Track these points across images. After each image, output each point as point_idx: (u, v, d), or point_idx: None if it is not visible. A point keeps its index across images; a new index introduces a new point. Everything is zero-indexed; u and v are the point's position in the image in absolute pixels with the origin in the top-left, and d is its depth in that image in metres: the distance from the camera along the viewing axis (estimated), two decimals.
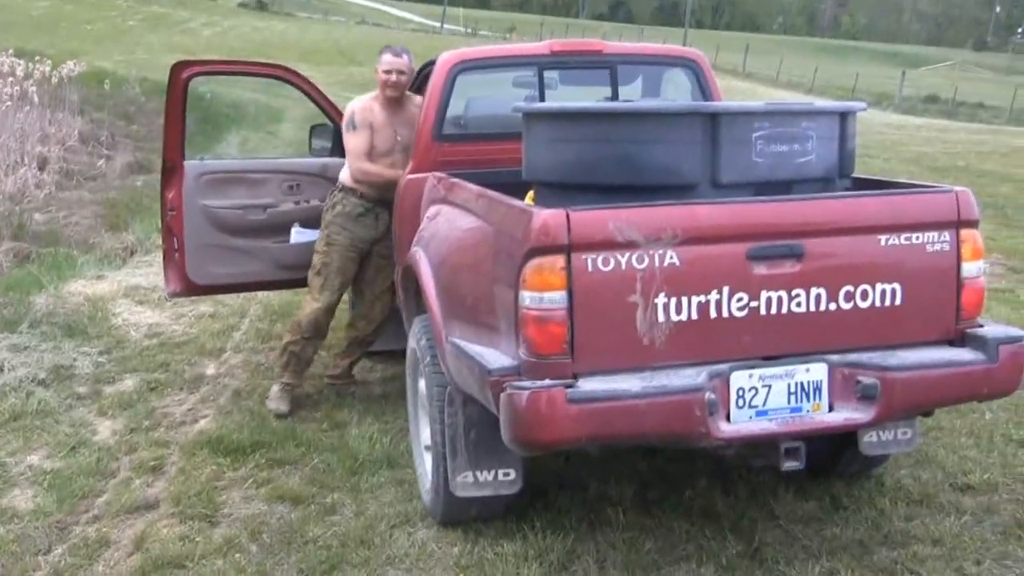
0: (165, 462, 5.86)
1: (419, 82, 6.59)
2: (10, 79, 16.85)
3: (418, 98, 6.42)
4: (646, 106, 4.80)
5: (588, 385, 3.85)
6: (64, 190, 15.69)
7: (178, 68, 6.48)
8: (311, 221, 6.69)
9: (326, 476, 5.64)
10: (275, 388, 6.63)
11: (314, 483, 5.56)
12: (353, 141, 6.35)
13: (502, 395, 3.89)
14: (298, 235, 6.82)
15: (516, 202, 4.20)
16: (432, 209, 5.26)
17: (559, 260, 3.81)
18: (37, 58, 19.99)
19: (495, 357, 4.07)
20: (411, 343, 5.28)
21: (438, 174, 5.48)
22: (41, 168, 16.20)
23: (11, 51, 20.22)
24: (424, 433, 5.24)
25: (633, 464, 5.56)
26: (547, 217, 3.83)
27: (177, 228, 6.62)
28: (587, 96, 6.36)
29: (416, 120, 6.10)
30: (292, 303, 8.93)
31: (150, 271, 10.30)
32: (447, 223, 4.89)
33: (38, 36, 33.85)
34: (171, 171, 6.62)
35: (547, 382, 3.82)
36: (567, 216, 3.82)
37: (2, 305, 8.88)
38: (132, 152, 18.48)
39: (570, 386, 3.82)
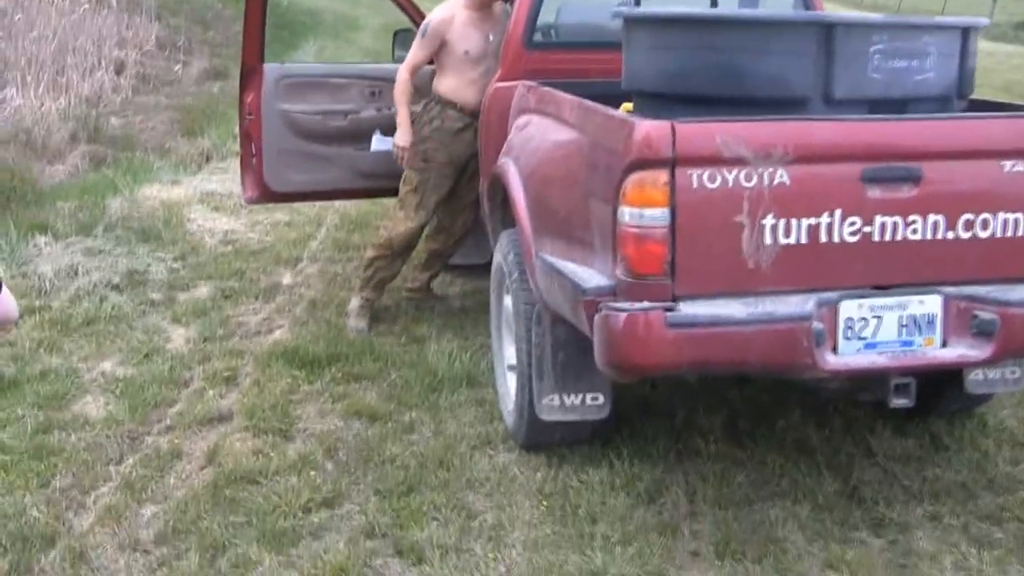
0: (239, 373, 5.72)
1: None
2: None
3: (501, 3, 6.12)
4: (758, 14, 4.50)
5: (689, 309, 3.62)
6: (140, 95, 15.62)
7: None
8: (393, 128, 6.44)
9: (404, 393, 5.48)
10: (354, 303, 6.44)
11: (391, 399, 5.41)
12: (413, 50, 6.09)
13: (596, 316, 3.67)
14: (379, 142, 6.58)
15: (615, 112, 3.94)
16: (522, 119, 5.01)
17: (662, 175, 3.56)
18: None
19: (589, 276, 3.84)
20: (497, 257, 5.07)
21: (528, 83, 5.23)
22: (118, 72, 16.10)
23: None
24: (508, 352, 5.05)
25: (723, 392, 5.33)
26: (650, 128, 3.57)
27: (255, 133, 6.42)
28: (685, 3, 6.06)
29: (503, 22, 5.85)
30: (370, 212, 8.76)
31: (225, 178, 10.16)
32: (539, 133, 4.64)
33: None
34: (249, 74, 6.41)
35: (645, 304, 3.59)
36: (672, 128, 3.56)
37: (78, 208, 8.81)
38: (208, 58, 18.32)
39: (670, 309, 3.59)
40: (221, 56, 18.87)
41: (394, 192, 6.37)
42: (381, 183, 6.51)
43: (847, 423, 5.08)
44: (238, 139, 6.78)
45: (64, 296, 6.90)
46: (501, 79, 5.61)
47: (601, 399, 4.46)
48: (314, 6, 25.37)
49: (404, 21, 6.92)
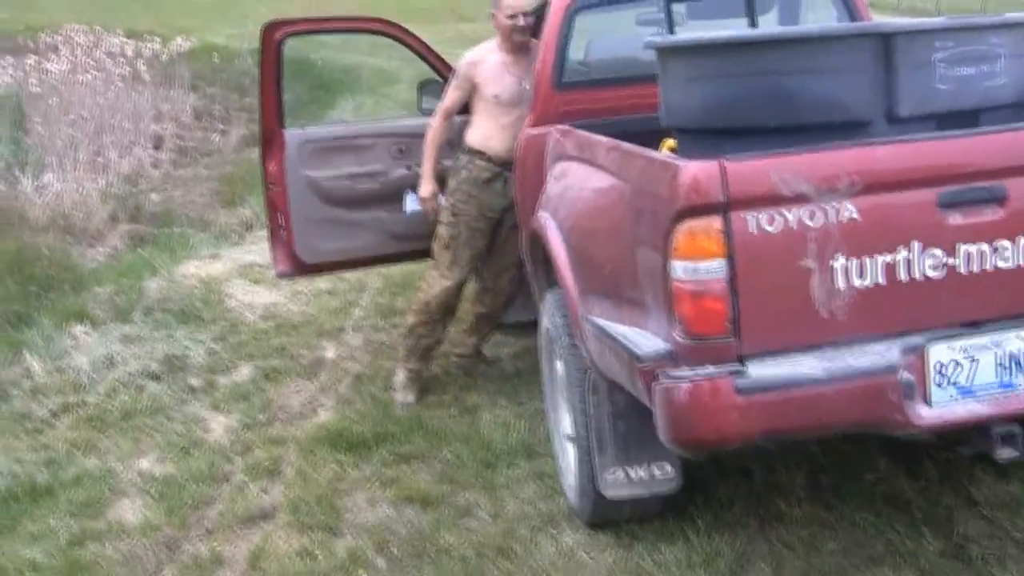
0: (281, 462, 5.37)
1: (533, 28, 5.96)
2: (120, 59, 16.68)
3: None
4: (805, 30, 4.09)
5: (759, 370, 3.20)
6: (180, 167, 15.56)
7: (270, 29, 5.93)
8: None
9: (458, 471, 5.09)
10: (400, 376, 6.08)
11: (445, 480, 5.03)
12: (447, 94, 5.84)
13: (655, 386, 3.27)
14: (413, 203, 6.22)
15: (657, 154, 3.55)
16: (557, 167, 4.63)
17: (715, 221, 3.16)
18: (147, 36, 19.89)
19: (644, 339, 3.43)
20: (544, 321, 4.68)
21: (561, 127, 4.86)
22: (156, 147, 16.09)
23: (120, 31, 20.08)
24: (564, 421, 4.65)
25: (801, 445, 4.89)
26: (698, 170, 3.17)
27: (281, 203, 6.09)
28: (723, 28, 5.68)
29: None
30: (414, 273, 8.34)
31: (265, 248, 9.83)
32: (576, 182, 4.25)
33: (147, 14, 33.88)
34: (270, 142, 6.08)
35: (709, 369, 3.18)
36: (721, 167, 3.16)
37: (115, 293, 8.57)
38: (246, 125, 18.18)
39: (737, 373, 3.18)
40: (258, 121, 18.72)
41: (413, 256, 6.04)
42: (419, 245, 6.14)
43: (942, 469, 4.62)
44: (265, 210, 6.45)
45: (101, 389, 6.60)
46: (533, 124, 5.26)
47: (670, 470, 4.05)
48: (350, 63, 25.22)
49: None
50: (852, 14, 5.49)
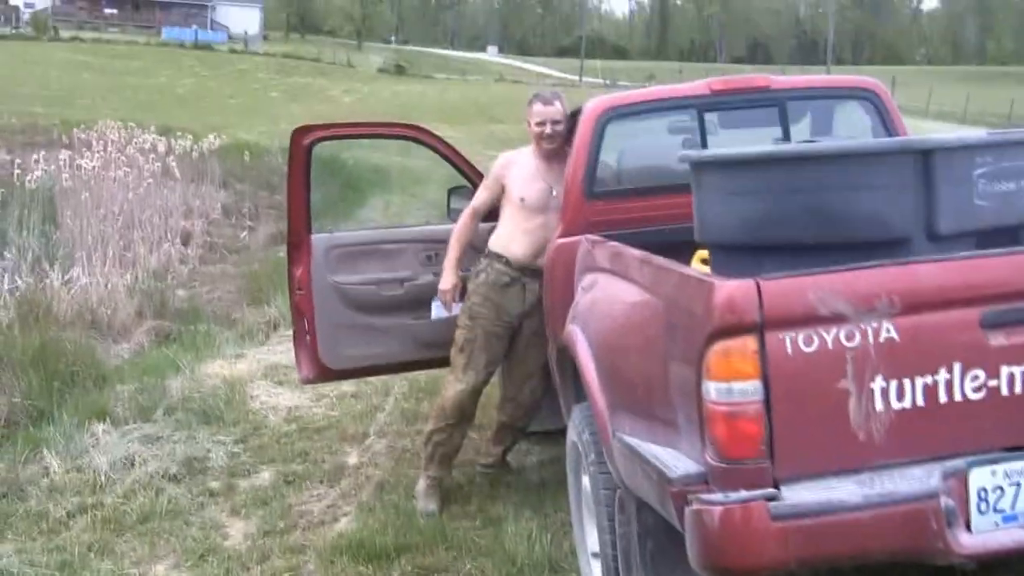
0: (301, 573, 5.26)
1: (566, 135, 5.95)
2: (151, 155, 16.84)
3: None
4: (844, 145, 4.05)
5: (794, 495, 3.10)
6: (207, 264, 15.61)
7: (299, 134, 5.94)
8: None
9: None
10: (421, 484, 5.99)
11: None
12: (478, 192, 5.91)
13: (687, 510, 3.16)
14: (439, 310, 6.17)
15: (691, 270, 3.50)
16: (587, 278, 4.57)
17: (750, 342, 3.08)
18: (179, 133, 20.12)
19: (675, 460, 3.34)
20: (571, 435, 4.58)
21: (592, 237, 4.82)
22: (185, 243, 16.15)
23: (153, 128, 20.33)
24: (591, 538, 4.53)
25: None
26: (733, 289, 3.11)
27: (306, 308, 6.05)
28: (753, 140, 5.64)
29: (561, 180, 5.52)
30: (440, 378, 8.27)
31: (291, 348, 9.79)
32: (606, 296, 4.19)
33: (182, 113, 34.41)
34: (297, 246, 6.06)
35: (743, 494, 3.07)
36: (757, 286, 3.09)
37: (138, 391, 8.51)
38: (275, 222, 18.28)
39: (772, 498, 3.07)
40: (287, 226, 18.81)
41: (441, 363, 5.99)
42: (446, 352, 6.04)
43: None
44: (290, 314, 6.41)
45: (119, 490, 6.51)
46: (563, 234, 5.21)
47: None
48: (380, 162, 25.44)
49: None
50: (885, 122, 5.46)
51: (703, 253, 4.66)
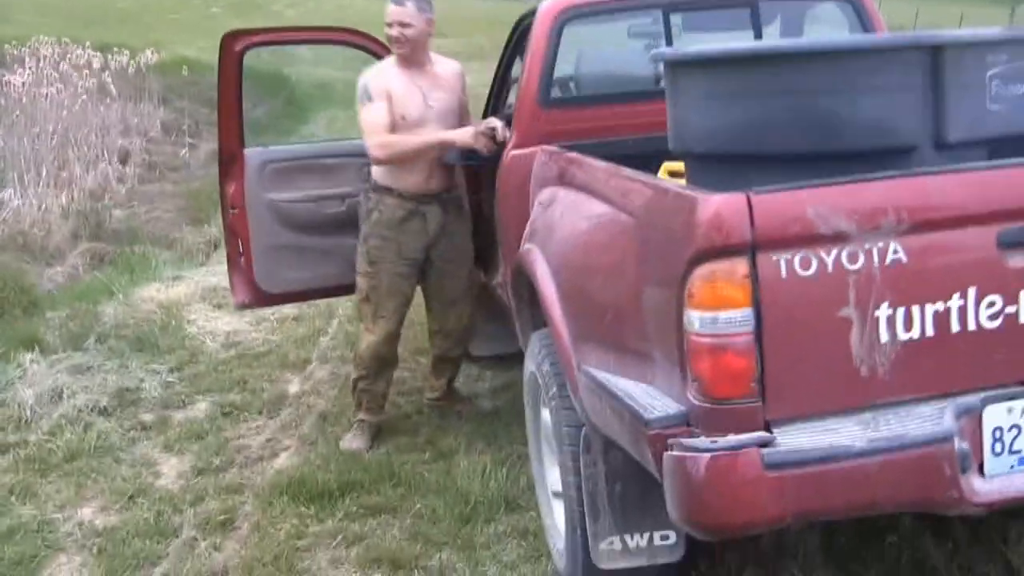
0: (237, 515, 4.85)
1: (517, 38, 5.49)
2: (86, 72, 16.16)
3: (448, 62, 5.41)
4: (845, 41, 3.59)
5: (790, 440, 2.71)
6: (146, 183, 15.05)
7: (230, 40, 5.42)
8: None
9: (431, 527, 4.59)
10: (353, 429, 5.58)
11: (417, 537, 4.51)
12: (369, 116, 5.15)
13: (666, 456, 2.77)
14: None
15: (670, 184, 3.05)
16: (545, 193, 4.14)
17: (740, 265, 2.67)
18: (116, 49, 19.39)
19: (651, 399, 2.93)
20: (528, 365, 4.17)
21: (550, 148, 4.39)
22: (123, 162, 15.58)
23: (88, 44, 19.54)
24: (551, 476, 4.15)
25: None
26: (720, 204, 2.68)
27: (241, 229, 5.57)
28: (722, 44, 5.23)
29: (450, 83, 5.28)
30: None
31: None
32: (568, 211, 3.76)
33: (122, 29, 33.25)
34: (229, 162, 5.56)
35: (732, 439, 2.67)
36: (748, 200, 2.67)
37: (69, 318, 8.05)
38: (215, 140, 17.65)
39: (765, 443, 2.68)
40: (217, 140, 18.25)
41: None
42: None
43: (972, 529, 4.13)
44: (224, 236, 5.92)
45: (45, 426, 6.06)
46: (516, 145, 4.78)
47: (672, 538, 3.52)
48: (323, 77, 24.70)
49: None
50: (866, 28, 5.04)
51: (671, 165, 4.27)
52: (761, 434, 2.69)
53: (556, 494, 4.06)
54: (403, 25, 5.09)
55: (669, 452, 2.75)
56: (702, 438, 2.71)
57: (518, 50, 5.49)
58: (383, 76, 5.17)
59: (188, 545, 4.61)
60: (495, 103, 5.84)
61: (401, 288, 5.32)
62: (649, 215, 3.00)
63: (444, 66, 5.34)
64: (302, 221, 5.60)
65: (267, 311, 7.81)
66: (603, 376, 3.21)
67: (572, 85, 5.31)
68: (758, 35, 5.15)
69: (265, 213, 5.56)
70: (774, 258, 2.68)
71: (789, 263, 2.69)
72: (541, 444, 4.25)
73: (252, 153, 5.57)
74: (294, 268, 5.63)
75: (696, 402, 2.76)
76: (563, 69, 5.11)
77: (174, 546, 4.62)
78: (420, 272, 5.39)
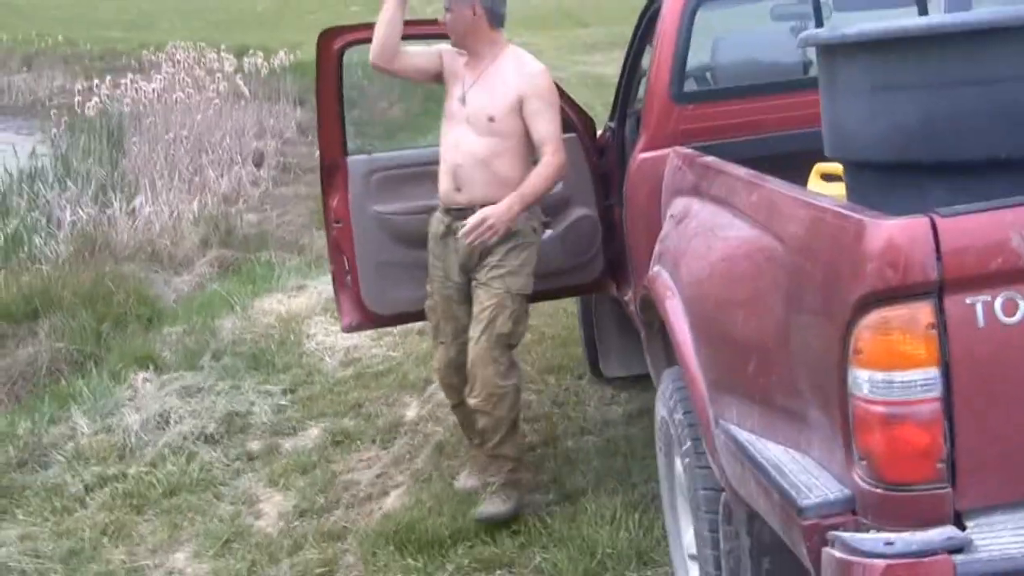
0: (337, 567, 4.36)
1: (645, 25, 4.88)
2: (218, 75, 16.06)
3: (525, 63, 4.53)
4: None
5: (991, 540, 2.06)
6: (280, 186, 14.95)
7: (326, 39, 4.88)
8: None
9: None
10: (468, 465, 5.03)
11: None
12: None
13: (825, 554, 2.15)
14: None
15: (829, 202, 2.40)
16: (678, 204, 3.54)
17: (923, 311, 2.04)
18: (250, 51, 19.36)
19: (806, 475, 2.31)
20: (660, 408, 3.55)
21: (683, 150, 3.79)
22: (257, 165, 15.45)
23: (224, 47, 19.53)
24: (687, 535, 3.55)
25: None
26: (896, 231, 2.05)
27: (346, 245, 5.05)
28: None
29: (506, 88, 4.42)
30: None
31: None
32: (704, 230, 3.14)
33: (260, 31, 33.53)
34: (331, 172, 5.03)
35: (914, 540, 2.04)
36: (933, 224, 2.05)
37: (186, 333, 7.73)
38: (352, 139, 17.38)
39: (959, 548, 2.05)
40: (367, 135, 17.95)
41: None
42: None
43: None
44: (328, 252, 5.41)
45: (147, 456, 5.70)
46: (646, 147, 4.19)
47: None
48: None
49: None
50: None
51: (825, 167, 3.63)
52: (952, 533, 2.05)
53: (693, 556, 3.46)
54: (447, 10, 4.52)
55: (830, 549, 2.14)
56: (872, 533, 2.10)
57: (647, 38, 4.90)
58: (452, 55, 4.64)
59: None
60: (623, 100, 5.25)
61: (454, 312, 4.68)
62: (802, 241, 2.38)
63: (510, 67, 4.51)
64: (413, 235, 5.02)
65: None
66: (746, 437, 2.60)
67: (708, 76, 4.71)
68: (923, 11, 4.48)
69: (372, 227, 5.02)
70: (968, 301, 2.04)
71: (988, 307, 2.05)
72: (676, 497, 3.64)
73: (356, 161, 5.04)
74: (405, 287, 5.05)
75: (864, 486, 2.13)
76: (698, 59, 4.53)
77: None
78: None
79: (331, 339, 7.38)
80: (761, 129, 4.18)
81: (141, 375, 6.82)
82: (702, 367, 2.92)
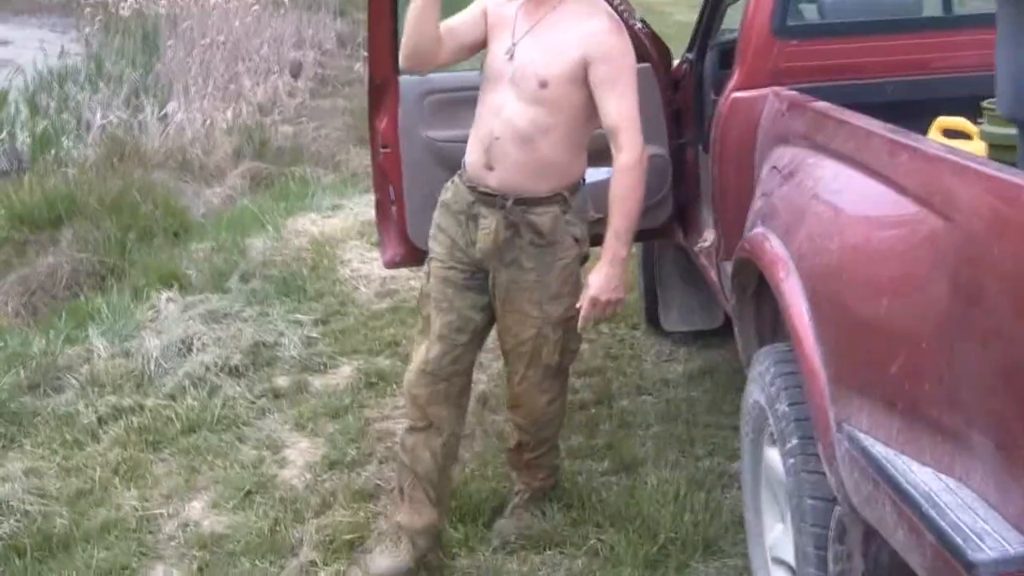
0: (367, 534, 3.93)
1: None
2: None
3: (591, 14, 3.52)
4: None
5: None
6: (318, 98, 14.54)
7: None
8: (597, 150, 4.36)
9: (609, 571, 3.60)
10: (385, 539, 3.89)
11: None
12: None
13: None
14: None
15: (1009, 171, 1.93)
16: (783, 154, 3.06)
17: None
18: None
19: (971, 515, 1.85)
20: (752, 391, 3.05)
21: (786, 91, 3.31)
22: (295, 75, 15.03)
23: None
24: (771, 534, 3.10)
25: None
26: None
27: (392, 172, 4.56)
28: None
29: (564, 41, 3.46)
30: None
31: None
32: (827, 191, 2.65)
33: None
34: (381, 91, 4.51)
35: None
36: None
37: (214, 251, 7.32)
38: None
39: None
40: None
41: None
42: None
43: None
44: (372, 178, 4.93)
45: (166, 386, 5.29)
46: (740, 85, 3.69)
47: None
48: None
49: None
50: None
51: (947, 121, 3.18)
52: None
53: (777, 560, 3.02)
54: None
55: None
56: None
57: None
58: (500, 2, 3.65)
59: (304, 572, 3.72)
60: (704, 31, 4.75)
61: (452, 302, 3.60)
62: (983, 222, 1.90)
63: (573, 18, 3.50)
64: None
65: None
66: (881, 451, 2.13)
67: (815, 9, 4.19)
68: None
69: (423, 154, 4.53)
70: None
71: None
72: (760, 490, 3.18)
73: (409, 81, 4.53)
74: None
75: None
76: None
77: (288, 571, 3.74)
78: (488, 295, 3.65)
79: (367, 267, 6.96)
80: (867, 73, 3.70)
81: (165, 294, 6.45)
82: (823, 358, 2.43)
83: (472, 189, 3.56)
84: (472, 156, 3.59)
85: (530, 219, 3.50)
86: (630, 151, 3.39)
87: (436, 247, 3.66)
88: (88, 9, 15.14)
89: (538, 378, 3.67)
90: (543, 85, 3.43)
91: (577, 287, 3.61)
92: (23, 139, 10.94)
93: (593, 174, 3.92)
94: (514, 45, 3.50)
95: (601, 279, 3.42)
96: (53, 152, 10.44)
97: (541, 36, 3.47)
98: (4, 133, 10.75)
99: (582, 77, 3.42)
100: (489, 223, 3.51)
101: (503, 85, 3.50)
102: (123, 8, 13.97)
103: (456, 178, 3.68)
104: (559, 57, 3.43)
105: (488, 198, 3.52)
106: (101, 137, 11.04)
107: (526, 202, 3.49)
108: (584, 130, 3.55)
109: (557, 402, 3.80)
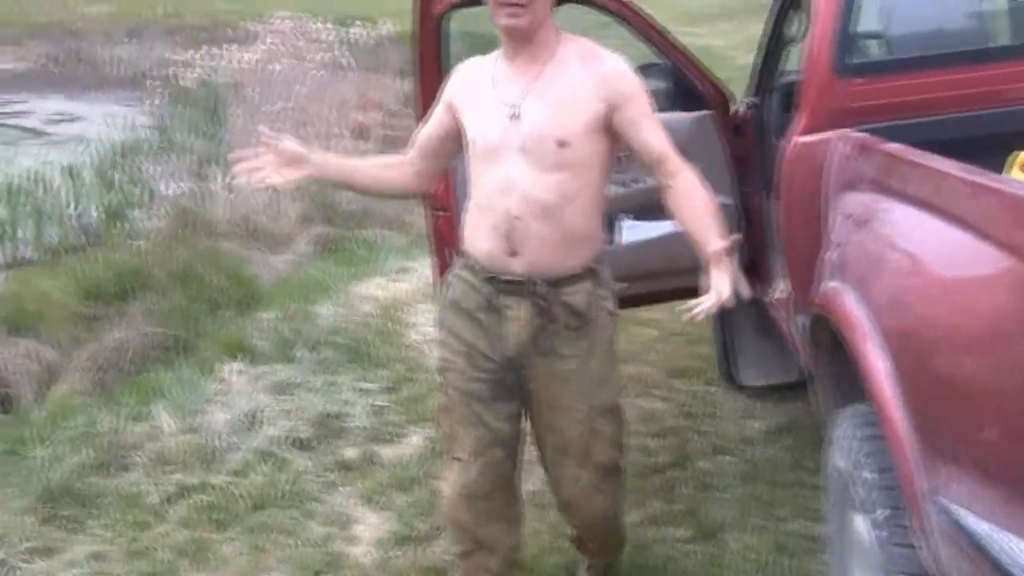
0: None
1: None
2: (322, 45, 15.71)
3: (600, 58, 3.20)
4: None
5: None
6: None
7: (426, 2, 4.31)
8: (648, 209, 4.20)
9: None
10: None
11: None
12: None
13: None
14: (630, 231, 4.53)
15: None
16: (852, 200, 2.90)
17: None
18: (353, 21, 19.09)
19: None
20: (835, 456, 2.85)
21: (852, 133, 3.15)
22: (360, 137, 15.02)
23: (327, 17, 19.14)
24: None
25: None
26: None
27: (450, 236, 4.45)
28: None
29: (571, 94, 3.13)
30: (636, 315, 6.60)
31: None
32: (906, 240, 2.48)
33: (363, 1, 33.17)
34: None
35: None
36: None
37: (281, 319, 7.24)
38: None
39: None
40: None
41: (652, 299, 4.37)
42: (640, 287, 4.37)
43: None
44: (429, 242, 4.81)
45: (234, 462, 5.19)
46: (805, 129, 3.54)
47: None
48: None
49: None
50: None
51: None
52: None
53: None
54: None
55: None
56: None
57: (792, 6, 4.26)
58: (466, 78, 3.40)
59: None
60: (764, 77, 4.60)
61: (480, 416, 3.29)
62: None
63: (578, 65, 3.18)
64: None
65: None
66: (983, 529, 1.95)
67: (883, 43, 4.04)
68: None
69: None
70: None
71: None
72: (848, 560, 2.98)
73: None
74: None
75: None
76: (865, 22, 3.86)
77: None
78: (520, 397, 3.36)
79: (435, 330, 6.83)
80: (936, 109, 3.53)
81: (232, 366, 6.36)
82: (910, 423, 2.25)
83: (490, 280, 3.22)
84: (487, 244, 3.21)
85: (564, 300, 3.19)
86: (687, 168, 3.10)
87: (450, 356, 3.32)
88: (152, 82, 15.32)
89: (597, 477, 3.36)
90: (563, 145, 3.10)
91: (616, 366, 3.37)
92: (94, 213, 11.02)
93: (653, 228, 3.80)
94: (518, 106, 3.15)
95: (728, 275, 2.94)
96: (122, 225, 10.49)
97: (547, 92, 3.14)
98: (76, 208, 10.84)
99: (604, 125, 3.13)
100: (518, 313, 3.19)
101: (508, 157, 3.13)
102: (184, 79, 14.08)
103: (461, 272, 3.34)
104: (575, 110, 3.12)
105: (514, 286, 3.19)
106: (169, 208, 11.09)
107: (557, 283, 3.18)
108: (603, 189, 3.27)
109: (618, 502, 3.54)
